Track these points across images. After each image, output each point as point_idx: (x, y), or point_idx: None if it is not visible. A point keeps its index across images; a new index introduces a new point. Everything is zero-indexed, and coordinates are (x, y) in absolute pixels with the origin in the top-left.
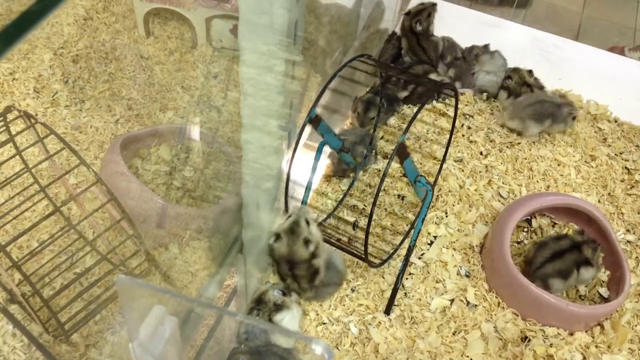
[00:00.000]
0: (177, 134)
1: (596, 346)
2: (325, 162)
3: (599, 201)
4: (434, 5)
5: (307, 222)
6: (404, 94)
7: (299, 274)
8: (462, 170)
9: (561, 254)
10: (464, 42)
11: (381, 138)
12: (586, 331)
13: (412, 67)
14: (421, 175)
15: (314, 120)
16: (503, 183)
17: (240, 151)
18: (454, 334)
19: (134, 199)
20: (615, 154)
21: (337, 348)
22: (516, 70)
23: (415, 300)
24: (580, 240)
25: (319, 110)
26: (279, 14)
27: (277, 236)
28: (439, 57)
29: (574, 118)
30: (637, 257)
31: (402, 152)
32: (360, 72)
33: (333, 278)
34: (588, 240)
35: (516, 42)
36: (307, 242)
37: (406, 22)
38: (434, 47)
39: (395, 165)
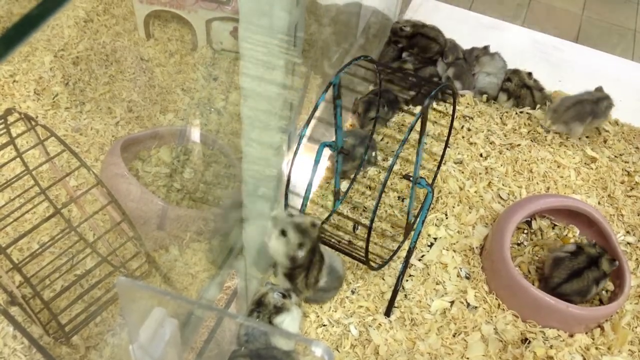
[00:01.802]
0: (177, 136)
1: (596, 348)
2: (325, 164)
3: (598, 203)
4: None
5: (284, 233)
6: (405, 95)
7: (315, 261)
8: (462, 172)
9: (579, 272)
10: (464, 44)
11: (381, 140)
12: (586, 333)
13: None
14: (421, 177)
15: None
16: (503, 185)
17: (240, 153)
18: (454, 336)
19: (135, 201)
20: (615, 156)
21: (337, 350)
22: (516, 72)
23: (415, 302)
24: (597, 254)
25: (317, 113)
26: (279, 16)
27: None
28: (445, 39)
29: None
30: (637, 259)
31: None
32: (362, 70)
33: (333, 282)
34: (604, 253)
35: (516, 44)
36: (300, 245)
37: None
38: (438, 31)
39: (395, 167)
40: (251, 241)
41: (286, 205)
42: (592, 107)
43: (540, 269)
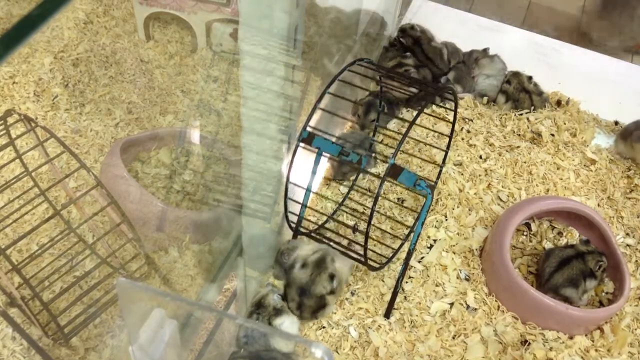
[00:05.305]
0: (177, 137)
1: (596, 350)
2: (325, 166)
3: (598, 205)
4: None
5: (333, 260)
6: (404, 96)
7: (307, 304)
8: (462, 174)
9: (568, 260)
10: (463, 47)
11: (381, 141)
12: (586, 335)
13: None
14: (421, 179)
15: (307, 139)
16: (502, 187)
17: (240, 155)
18: (453, 338)
19: (134, 203)
20: (616, 158)
21: (337, 352)
22: (516, 74)
23: (415, 304)
24: (585, 250)
25: (318, 113)
26: (279, 18)
27: (304, 264)
28: (446, 64)
29: None
30: (636, 261)
31: (394, 172)
32: (361, 75)
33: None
34: (594, 251)
35: (515, 46)
36: (332, 277)
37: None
38: (438, 54)
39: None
40: (250, 242)
41: (286, 207)
42: None
43: (538, 270)
